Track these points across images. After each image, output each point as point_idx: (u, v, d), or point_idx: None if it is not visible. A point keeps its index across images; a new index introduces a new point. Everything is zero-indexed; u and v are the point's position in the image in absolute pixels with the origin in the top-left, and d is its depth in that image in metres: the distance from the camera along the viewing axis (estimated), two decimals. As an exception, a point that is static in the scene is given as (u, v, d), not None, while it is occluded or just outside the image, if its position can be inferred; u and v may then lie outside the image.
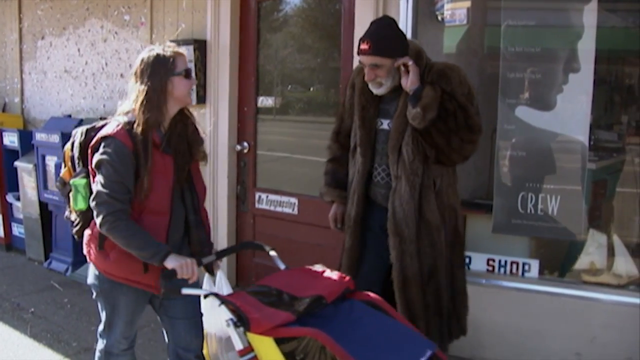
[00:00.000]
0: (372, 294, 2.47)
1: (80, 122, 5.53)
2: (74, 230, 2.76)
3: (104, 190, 2.41)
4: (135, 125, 2.48)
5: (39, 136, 5.58)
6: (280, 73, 5.01)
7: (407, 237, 2.97)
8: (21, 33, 6.74)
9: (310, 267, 2.67)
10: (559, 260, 4.05)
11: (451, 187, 3.08)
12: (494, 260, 3.89)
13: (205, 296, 2.37)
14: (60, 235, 5.73)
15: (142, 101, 2.48)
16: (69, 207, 2.73)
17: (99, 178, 2.45)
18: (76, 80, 6.18)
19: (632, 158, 4.57)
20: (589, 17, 3.62)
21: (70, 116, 5.97)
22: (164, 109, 2.56)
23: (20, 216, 6.11)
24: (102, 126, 2.60)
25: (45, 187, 5.60)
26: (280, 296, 2.38)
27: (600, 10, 3.63)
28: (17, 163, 6.01)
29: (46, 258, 5.85)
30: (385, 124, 3.05)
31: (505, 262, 3.87)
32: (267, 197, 4.88)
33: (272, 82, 5.05)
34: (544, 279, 3.80)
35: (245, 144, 4.94)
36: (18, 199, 6.09)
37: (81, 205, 2.61)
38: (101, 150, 2.46)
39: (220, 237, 5.05)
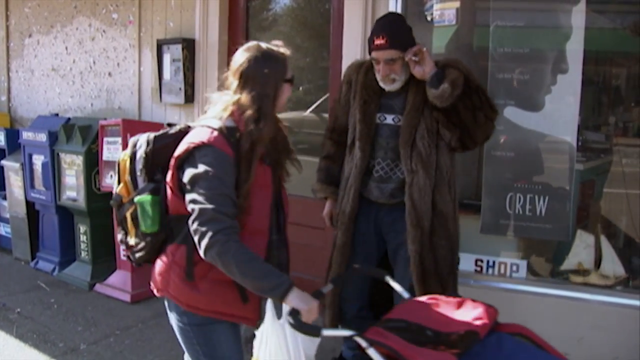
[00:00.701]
0: (520, 326, 2.20)
1: (68, 121, 5.51)
2: (137, 256, 2.34)
3: (209, 206, 2.06)
4: (242, 136, 2.15)
5: (26, 135, 5.54)
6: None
7: (427, 229, 3.00)
8: (8, 31, 6.69)
9: (438, 296, 2.40)
10: (547, 260, 4.05)
11: (455, 179, 3.14)
12: (482, 261, 3.89)
13: (349, 337, 2.05)
14: (47, 234, 5.70)
15: (255, 109, 2.16)
16: (125, 229, 2.34)
17: (199, 192, 2.08)
18: (64, 78, 6.14)
19: (620, 159, 4.58)
20: (578, 18, 3.64)
21: (57, 115, 5.93)
22: (274, 118, 2.29)
23: (7, 215, 6.07)
24: (179, 133, 2.27)
25: (32, 186, 5.56)
26: (422, 332, 2.09)
27: (588, 11, 3.64)
28: (3, 162, 5.97)
29: (33, 258, 5.81)
30: (389, 119, 3.06)
31: (494, 262, 3.87)
32: (255, 197, 4.85)
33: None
34: (531, 279, 3.81)
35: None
36: (4, 198, 6.05)
37: (150, 227, 2.23)
38: (198, 160, 2.11)
39: (208, 237, 5.02)
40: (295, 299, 2.07)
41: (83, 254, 5.37)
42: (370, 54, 2.99)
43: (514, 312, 3.72)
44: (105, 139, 4.96)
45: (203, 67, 4.89)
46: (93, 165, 5.12)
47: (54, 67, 6.25)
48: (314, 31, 4.71)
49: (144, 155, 2.25)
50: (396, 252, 3.16)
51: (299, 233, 4.53)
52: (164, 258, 2.26)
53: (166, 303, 2.37)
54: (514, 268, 3.83)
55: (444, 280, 3.07)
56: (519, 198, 3.76)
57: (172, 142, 2.24)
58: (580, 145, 4.17)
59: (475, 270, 3.90)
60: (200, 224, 2.06)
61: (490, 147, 3.77)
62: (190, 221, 2.08)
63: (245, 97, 2.17)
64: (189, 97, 4.95)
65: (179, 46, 4.86)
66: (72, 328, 4.38)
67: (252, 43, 2.29)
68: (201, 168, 2.10)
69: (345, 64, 3.51)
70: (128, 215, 2.30)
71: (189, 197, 2.11)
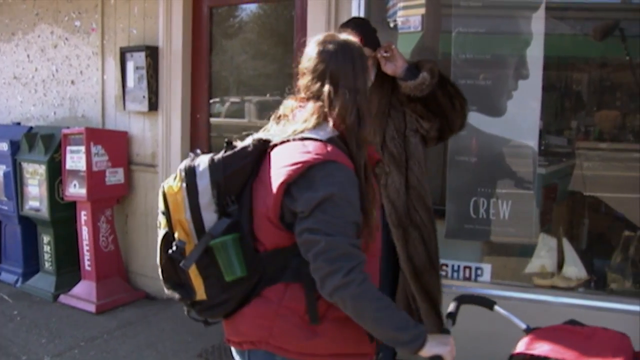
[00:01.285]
0: None
1: (30, 130, 5.43)
2: (214, 312, 1.91)
3: (338, 237, 1.68)
4: (349, 144, 1.82)
5: (-13, 144, 5.45)
6: (237, 79, 4.98)
7: (408, 227, 2.99)
8: (-32, 38, 6.58)
9: (561, 326, 2.22)
10: (511, 264, 4.09)
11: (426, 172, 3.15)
12: (447, 265, 3.91)
13: None
14: (10, 245, 5.62)
15: (354, 111, 1.82)
16: (186, 283, 1.86)
17: (322, 220, 1.69)
18: (26, 87, 6.05)
19: (582, 162, 4.65)
20: (537, 24, 3.68)
21: (19, 124, 5.84)
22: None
23: (-32, 226, 5.96)
24: (256, 151, 1.85)
25: (-7, 196, 5.47)
26: None
27: (548, 17, 3.69)
28: (-36, 172, 5.86)
29: (-5, 269, 5.72)
30: None
31: (459, 267, 3.89)
32: (220, 204, 4.83)
33: (228, 89, 5.01)
34: (496, 282, 3.84)
35: (199, 151, 4.84)
36: (-35, 208, 5.93)
37: (239, 272, 1.79)
38: (320, 180, 1.71)
39: (174, 246, 4.98)
40: (434, 347, 1.78)
41: (47, 264, 5.29)
42: None
43: (478, 315, 3.76)
44: (68, 148, 4.91)
45: (167, 75, 4.86)
46: (56, 174, 5.06)
47: (15, 75, 6.15)
48: (279, 38, 4.71)
49: (213, 184, 1.81)
50: None
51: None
52: (260, 304, 1.82)
53: (247, 357, 1.93)
54: (479, 272, 3.86)
55: (437, 269, 3.11)
56: (483, 202, 3.78)
57: (249, 164, 1.84)
58: (543, 149, 4.22)
59: (441, 275, 3.90)
60: (327, 260, 1.67)
61: (454, 152, 3.80)
62: (310, 255, 1.69)
63: (339, 98, 1.81)
64: (153, 105, 4.91)
65: (142, 54, 4.83)
66: (36, 340, 4.31)
67: (325, 35, 1.95)
68: (325, 190, 1.70)
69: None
70: (197, 267, 1.81)
71: (304, 225, 1.71)
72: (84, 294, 4.95)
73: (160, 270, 1.94)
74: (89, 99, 5.48)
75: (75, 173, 4.89)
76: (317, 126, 1.82)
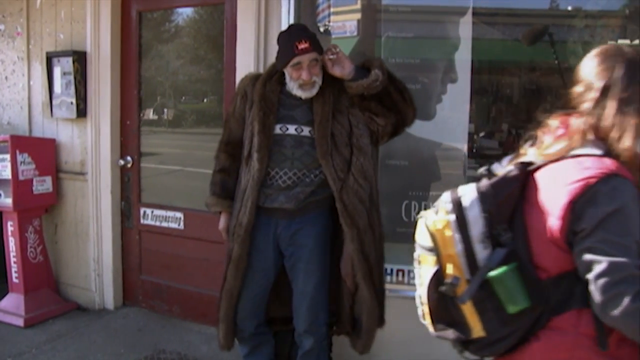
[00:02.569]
0: None
1: (-47, 137, 5.23)
2: (494, 349, 1.80)
3: (621, 258, 1.55)
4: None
5: None
6: (173, 85, 4.91)
7: (362, 227, 3.04)
8: None
9: None
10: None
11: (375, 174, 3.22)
12: (380, 269, 3.92)
13: None
14: None
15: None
16: (459, 320, 1.78)
17: (605, 239, 1.58)
18: (-52, 93, 5.83)
19: (512, 164, 4.73)
20: (465, 29, 3.73)
21: (-59, 131, 5.62)
22: None
23: None
24: (523, 174, 1.78)
25: None
26: None
27: (476, 22, 3.75)
28: None
29: None
30: (292, 129, 3.06)
31: (392, 270, 3.91)
32: (152, 212, 4.76)
33: (164, 94, 4.93)
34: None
35: (129, 158, 4.79)
36: None
37: (522, 303, 1.69)
38: (604, 196, 1.60)
39: (105, 255, 4.89)
40: None
41: (-28, 277, 5.10)
42: (288, 62, 2.96)
43: (412, 317, 3.79)
44: (-8, 156, 4.75)
45: (95, 81, 4.74)
46: (-20, 183, 4.88)
47: (-63, 82, 5.92)
48: (215, 43, 4.65)
49: (484, 213, 1.74)
50: (295, 266, 3.17)
51: (198, 248, 4.51)
52: (553, 336, 1.71)
53: None
54: (412, 275, 3.88)
55: (382, 270, 3.20)
56: (415, 205, 3.82)
57: (517, 188, 1.78)
58: (474, 152, 4.28)
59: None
60: (610, 283, 1.55)
61: (385, 156, 3.82)
62: (590, 277, 1.58)
63: (622, 116, 1.69)
64: (82, 112, 4.78)
65: (70, 59, 4.70)
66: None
67: (609, 46, 1.83)
68: (609, 206, 1.59)
69: (240, 76, 3.48)
70: (469, 304, 1.74)
71: (584, 245, 1.61)
72: (11, 307, 4.78)
73: (427, 311, 1.90)
74: (14, 106, 5.31)
75: (0, 182, 4.73)
76: (585, 143, 1.72)
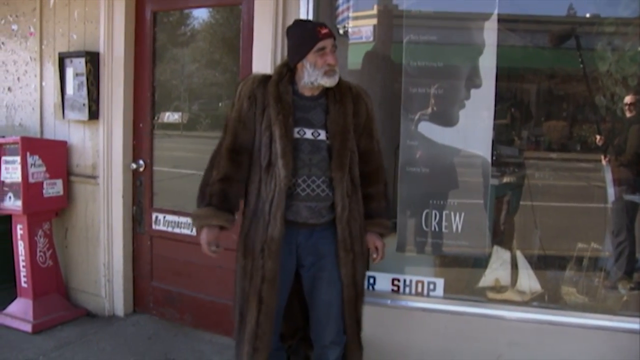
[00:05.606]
0: None
1: (-36, 139, 5.16)
2: None
3: None
4: None
5: None
6: (188, 88, 4.81)
7: (358, 253, 2.99)
8: None
9: None
10: (464, 278, 4.02)
11: None
12: (398, 280, 3.81)
13: None
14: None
15: None
16: None
17: None
18: (-40, 94, 5.76)
19: (533, 172, 4.63)
20: (490, 34, 3.62)
21: (-48, 132, 5.56)
22: None
23: None
24: None
25: None
26: None
27: (500, 29, 3.64)
28: None
29: None
30: (309, 134, 2.92)
31: (410, 281, 3.80)
32: (164, 217, 4.65)
33: (179, 97, 4.83)
34: (449, 297, 3.74)
35: (141, 162, 4.69)
36: None
37: None
38: None
39: (116, 260, 4.79)
40: None
41: (-20, 281, 5.03)
42: (311, 49, 2.84)
43: (432, 331, 3.69)
44: (3, 158, 4.66)
45: (108, 82, 4.65)
46: (-10, 186, 4.80)
47: (-51, 82, 5.86)
48: (231, 46, 4.55)
49: None
50: (316, 275, 3.01)
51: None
52: None
53: None
54: (431, 287, 3.76)
55: (363, 298, 3.11)
56: (435, 215, 3.71)
57: None
58: (495, 160, 4.17)
59: (392, 290, 3.81)
60: None
61: (405, 163, 3.71)
62: None
63: None
64: (94, 114, 4.69)
65: (82, 60, 4.61)
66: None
67: None
68: None
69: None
70: None
71: None
72: (19, 312, 4.69)
73: None
74: (26, 107, 5.23)
75: (10, 185, 4.64)
76: None
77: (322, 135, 2.92)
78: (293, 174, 2.89)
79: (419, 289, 3.79)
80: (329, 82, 2.88)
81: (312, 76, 2.88)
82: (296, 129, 2.91)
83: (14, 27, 5.28)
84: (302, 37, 2.89)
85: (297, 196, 2.91)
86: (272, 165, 2.90)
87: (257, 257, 2.92)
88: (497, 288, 3.80)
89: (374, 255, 3.11)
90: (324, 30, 2.86)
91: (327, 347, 3.05)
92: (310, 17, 3.75)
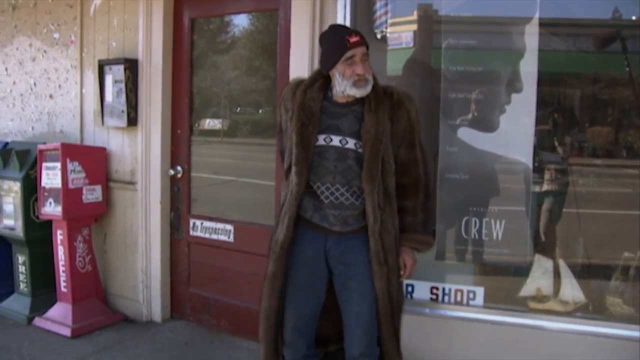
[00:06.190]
0: None
1: (6, 145, 5.24)
2: None
3: None
4: None
5: (-43, 159, 5.23)
6: (228, 95, 4.80)
7: (392, 266, 2.91)
8: (-54, 51, 6.40)
9: None
10: (504, 287, 3.93)
11: None
12: (437, 289, 3.74)
13: None
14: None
15: None
16: None
17: None
18: (4, 101, 5.86)
19: (576, 179, 4.52)
20: (531, 40, 3.54)
21: (-5, 139, 5.66)
22: None
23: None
24: None
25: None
26: None
27: (542, 32, 3.56)
28: None
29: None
30: (336, 141, 2.87)
31: (450, 290, 3.72)
32: (202, 224, 4.65)
33: (218, 104, 4.83)
34: (489, 307, 3.66)
35: (179, 168, 4.71)
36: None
37: None
38: None
39: (154, 266, 4.81)
40: None
41: (22, 285, 5.08)
42: (340, 58, 2.81)
43: (471, 341, 3.61)
44: (44, 164, 4.72)
45: (147, 89, 4.68)
46: (32, 192, 4.86)
47: (-7, 89, 5.97)
48: (270, 53, 4.53)
49: None
50: (345, 284, 2.96)
51: (248, 262, 4.38)
52: None
53: None
54: (471, 295, 3.69)
55: (401, 311, 3.04)
56: (475, 222, 3.62)
57: None
58: (537, 166, 4.08)
59: (431, 299, 3.74)
60: None
61: (444, 170, 3.64)
62: None
63: None
64: (132, 120, 4.72)
65: (121, 67, 4.65)
66: (2, 369, 4.10)
67: None
68: None
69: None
70: None
71: None
72: (59, 316, 4.74)
73: None
74: (67, 114, 5.30)
75: (50, 190, 4.70)
76: None
77: (351, 144, 2.87)
78: (315, 180, 2.89)
79: (459, 298, 3.71)
80: (358, 92, 2.85)
81: (342, 86, 2.85)
82: (322, 136, 2.89)
83: (56, 35, 5.35)
84: (331, 46, 2.86)
85: (321, 202, 2.91)
86: (289, 171, 2.93)
87: (268, 258, 3.01)
88: (539, 298, 3.70)
89: (401, 272, 3.01)
90: (354, 39, 2.80)
91: (356, 359, 3.00)
92: (347, 22, 3.71)
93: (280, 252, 2.92)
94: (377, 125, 2.84)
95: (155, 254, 4.80)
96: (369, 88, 2.84)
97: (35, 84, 5.56)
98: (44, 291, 5.04)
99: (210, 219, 4.62)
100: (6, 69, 5.81)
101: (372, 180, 2.83)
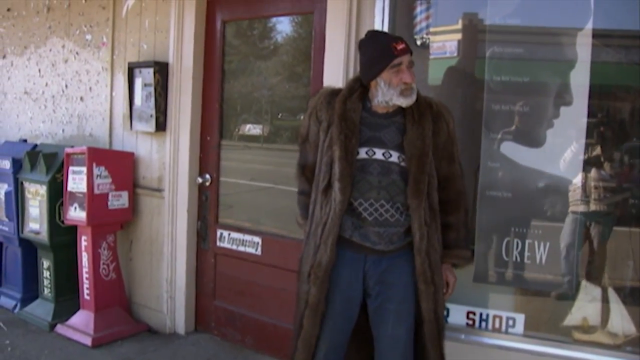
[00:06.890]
0: None
1: (34, 148, 5.16)
2: None
3: None
4: None
5: (-11, 161, 5.17)
6: (269, 100, 4.63)
7: (439, 285, 2.79)
8: (-18, 51, 6.38)
9: None
10: (547, 314, 3.68)
11: None
12: (474, 314, 3.51)
13: None
14: (11, 268, 5.35)
15: None
16: None
17: None
18: (36, 102, 5.80)
19: (627, 198, 4.26)
20: (583, 51, 3.34)
21: (25, 141, 5.58)
22: None
23: (-31, 247, 5.68)
24: None
25: (-6, 216, 5.18)
26: None
27: (593, 44, 3.34)
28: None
29: (-5, 292, 5.43)
30: (379, 154, 2.72)
31: (487, 315, 3.49)
32: (229, 234, 4.48)
33: (250, 110, 4.66)
34: (529, 335, 3.42)
35: (208, 176, 4.55)
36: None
37: None
38: None
39: (179, 276, 4.66)
40: None
41: (46, 290, 4.99)
42: (387, 66, 2.67)
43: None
44: (70, 168, 4.61)
45: (176, 93, 4.54)
46: (58, 196, 4.76)
47: (26, 90, 5.91)
48: (304, 58, 4.36)
49: None
50: (382, 306, 2.78)
51: (275, 276, 4.20)
52: None
53: None
54: (510, 322, 3.45)
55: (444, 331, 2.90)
56: (517, 244, 3.39)
57: None
58: (585, 183, 3.85)
59: (467, 324, 3.51)
60: None
61: (485, 186, 3.41)
62: None
63: None
64: (161, 125, 4.58)
65: (151, 70, 4.51)
66: (23, 375, 3.98)
67: None
68: None
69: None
70: None
71: None
72: (81, 324, 4.62)
73: None
74: (97, 117, 5.19)
75: (76, 195, 4.58)
76: None
77: (395, 157, 2.71)
78: (357, 196, 2.71)
79: (497, 325, 3.48)
80: (405, 102, 2.69)
81: (387, 95, 2.69)
82: (364, 149, 2.73)
83: (88, 37, 5.26)
84: (376, 54, 2.70)
85: (364, 220, 2.72)
86: (330, 187, 2.74)
87: (304, 281, 2.82)
88: (585, 328, 3.45)
89: (443, 290, 2.86)
90: (400, 46, 2.66)
91: None
92: (386, 27, 3.53)
93: (324, 276, 2.75)
94: (424, 137, 2.71)
95: (180, 264, 4.65)
96: (414, 97, 2.71)
97: (66, 85, 5.48)
98: (67, 297, 4.94)
99: (238, 230, 4.45)
100: (39, 70, 5.75)
101: (419, 196, 2.69)
